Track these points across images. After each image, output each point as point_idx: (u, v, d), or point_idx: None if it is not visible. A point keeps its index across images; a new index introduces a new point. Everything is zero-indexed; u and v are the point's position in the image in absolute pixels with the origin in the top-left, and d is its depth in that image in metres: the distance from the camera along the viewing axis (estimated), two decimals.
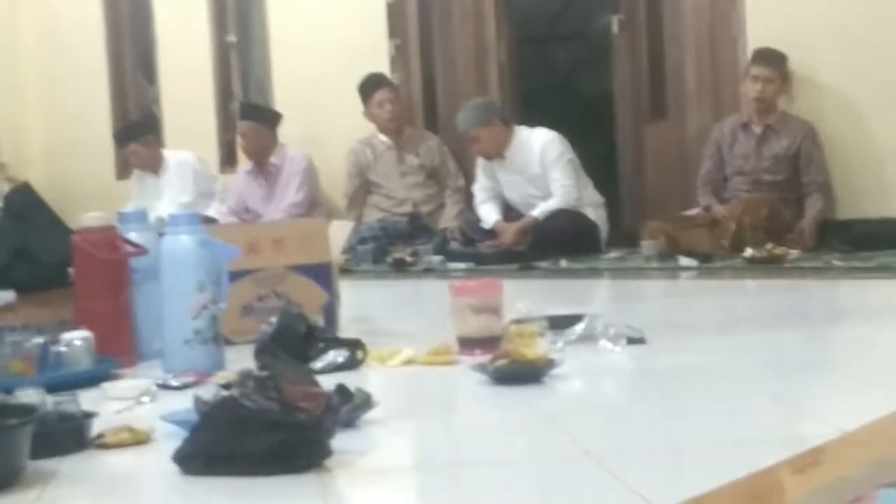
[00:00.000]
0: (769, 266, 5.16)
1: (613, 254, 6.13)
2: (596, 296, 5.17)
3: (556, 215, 6.33)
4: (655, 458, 2.01)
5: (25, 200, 3.63)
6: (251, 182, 7.60)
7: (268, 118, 7.57)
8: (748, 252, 5.32)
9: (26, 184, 3.73)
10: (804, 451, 1.92)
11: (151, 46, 8.85)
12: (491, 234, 6.54)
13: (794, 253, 5.34)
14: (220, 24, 8.47)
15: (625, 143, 6.81)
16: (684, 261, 5.47)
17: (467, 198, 7.12)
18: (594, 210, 6.48)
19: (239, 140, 7.62)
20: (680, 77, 6.50)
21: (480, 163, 6.76)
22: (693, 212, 6.06)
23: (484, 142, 6.58)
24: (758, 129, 5.99)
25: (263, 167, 7.51)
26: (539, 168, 6.48)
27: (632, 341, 3.11)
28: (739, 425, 2.23)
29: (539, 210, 6.41)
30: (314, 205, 7.44)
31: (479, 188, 6.76)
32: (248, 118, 7.54)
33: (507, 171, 6.63)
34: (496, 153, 6.61)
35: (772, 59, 5.88)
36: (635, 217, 6.49)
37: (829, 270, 4.98)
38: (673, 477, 1.90)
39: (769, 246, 5.34)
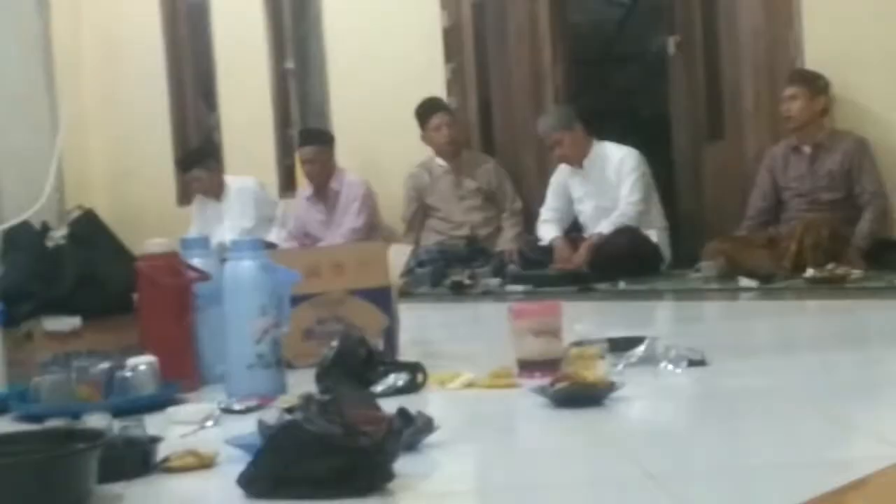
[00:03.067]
0: (830, 286, 5.11)
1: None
2: (656, 317, 5.15)
3: (618, 235, 6.33)
4: (718, 481, 2.00)
5: (90, 227, 3.68)
6: (310, 207, 7.65)
7: (327, 140, 7.64)
8: (809, 272, 5.28)
9: (91, 210, 3.78)
10: (867, 474, 1.91)
11: (212, 73, 8.95)
12: (550, 255, 6.53)
13: (856, 273, 5.28)
14: (278, 50, 8.56)
15: (682, 164, 6.78)
16: (744, 282, 5.43)
17: (525, 220, 7.13)
18: (658, 232, 6.47)
19: (301, 166, 7.67)
20: (737, 97, 6.47)
21: (553, 183, 6.77)
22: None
23: (566, 146, 6.60)
24: (808, 149, 5.96)
25: (323, 192, 7.57)
26: (615, 178, 6.49)
27: (693, 363, 3.09)
28: (801, 447, 2.22)
29: (603, 226, 6.41)
30: (373, 229, 7.47)
31: (547, 208, 6.77)
32: (312, 142, 7.59)
33: (584, 182, 6.64)
34: (576, 160, 6.62)
35: (796, 78, 5.91)
36: (694, 238, 6.46)
37: (891, 290, 4.93)
38: (736, 500, 1.89)
39: (830, 266, 5.29)
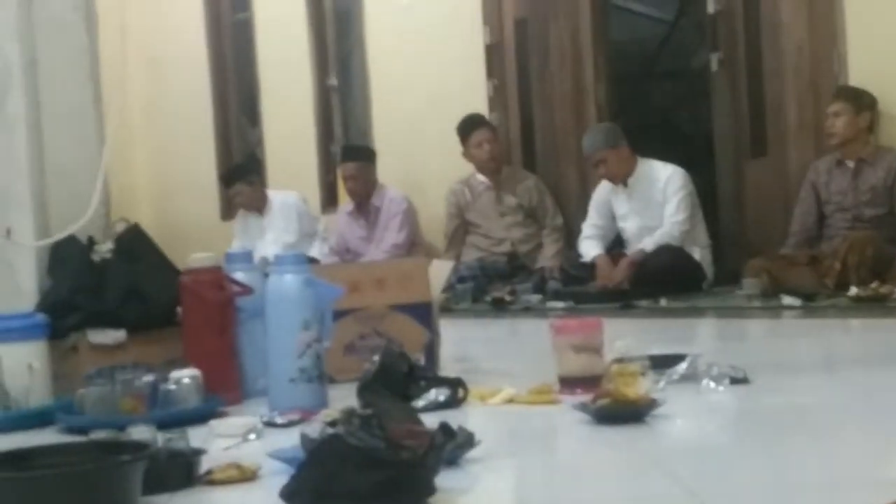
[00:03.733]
0: (874, 305, 5.07)
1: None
2: (698, 335, 5.13)
3: (660, 252, 6.31)
4: (761, 500, 1.99)
5: (136, 241, 3.72)
6: (352, 223, 7.68)
7: (369, 156, 7.67)
8: (853, 291, 5.24)
9: (136, 225, 3.82)
10: None
11: (255, 90, 9.01)
12: (592, 272, 6.52)
13: None
14: (321, 67, 8.61)
15: (725, 180, 6.75)
16: (787, 300, 5.40)
17: (566, 237, 7.12)
18: (700, 250, 6.45)
19: (343, 182, 7.71)
20: (780, 114, 6.43)
21: (595, 200, 6.76)
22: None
23: (611, 164, 6.58)
24: (851, 164, 5.93)
25: (364, 208, 7.59)
26: (661, 197, 6.48)
27: (735, 381, 3.08)
28: (845, 466, 2.20)
29: (646, 243, 6.40)
30: (414, 245, 7.49)
31: (589, 224, 6.75)
32: (354, 159, 7.63)
33: (629, 199, 6.62)
34: (621, 178, 6.60)
35: (840, 94, 5.89)
36: (736, 255, 6.43)
37: None
38: None
39: (874, 284, 5.25)
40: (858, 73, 5.97)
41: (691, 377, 3.10)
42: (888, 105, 5.92)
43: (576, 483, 2.24)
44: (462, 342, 4.74)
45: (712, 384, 3.06)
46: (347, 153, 7.83)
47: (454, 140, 7.27)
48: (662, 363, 3.15)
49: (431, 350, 3.64)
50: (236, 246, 7.34)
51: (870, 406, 2.88)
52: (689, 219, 6.44)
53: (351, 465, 1.98)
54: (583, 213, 6.87)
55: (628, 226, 6.66)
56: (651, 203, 6.55)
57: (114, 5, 4.55)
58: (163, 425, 2.48)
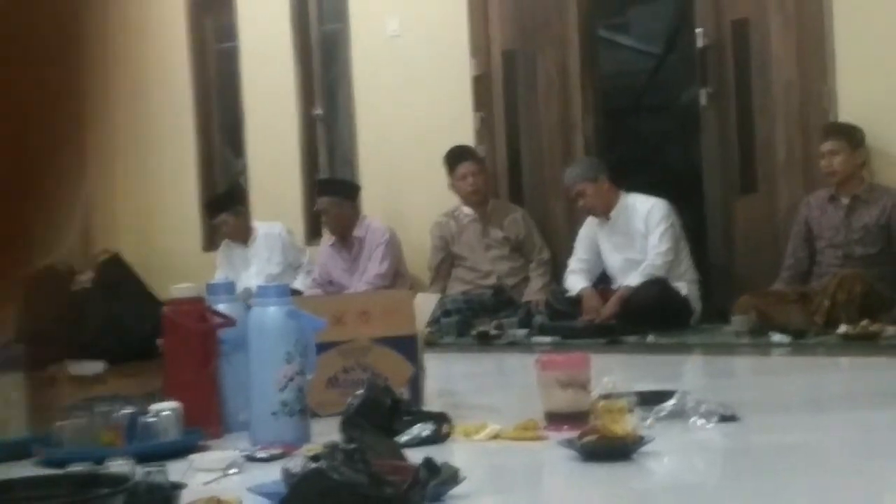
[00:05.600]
0: (864, 343, 5.05)
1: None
2: (685, 371, 5.10)
3: (647, 287, 6.28)
4: None
5: (117, 271, 3.68)
6: (334, 255, 7.64)
7: (347, 191, 7.63)
8: (842, 329, 5.22)
9: (117, 255, 3.78)
10: None
11: (240, 118, 8.99)
12: (578, 306, 6.49)
13: (890, 330, 5.21)
14: (307, 97, 8.59)
15: (714, 216, 6.74)
16: (776, 337, 5.37)
17: (552, 270, 7.09)
18: (687, 285, 6.42)
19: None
20: (770, 150, 6.43)
21: (581, 235, 6.75)
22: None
23: (590, 197, 6.58)
24: (845, 201, 5.93)
25: (347, 240, 7.56)
26: (643, 229, 6.47)
27: (724, 418, 3.05)
28: None
29: (632, 278, 6.38)
30: (397, 276, 7.46)
31: (575, 259, 6.73)
32: (328, 193, 7.60)
33: (611, 234, 6.61)
34: (602, 211, 6.60)
35: (834, 132, 5.89)
36: (725, 291, 6.41)
37: None
38: None
39: (864, 322, 5.23)
40: (848, 109, 5.98)
41: (679, 414, 3.07)
42: (879, 141, 5.92)
43: None
44: (447, 377, 4.71)
45: (700, 421, 3.03)
46: (322, 187, 7.81)
47: (440, 172, 7.25)
48: (650, 400, 3.12)
49: (416, 384, 3.60)
50: (219, 277, 7.28)
51: (859, 445, 2.86)
52: (672, 250, 6.42)
53: (333, 500, 1.95)
54: (569, 247, 6.85)
55: (612, 260, 6.64)
56: (633, 236, 6.54)
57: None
58: (142, 458, 2.44)
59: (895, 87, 5.86)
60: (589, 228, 6.76)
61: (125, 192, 9.43)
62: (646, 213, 6.50)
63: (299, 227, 8.41)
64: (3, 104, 0.86)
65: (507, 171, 7.56)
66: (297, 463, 2.23)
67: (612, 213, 6.60)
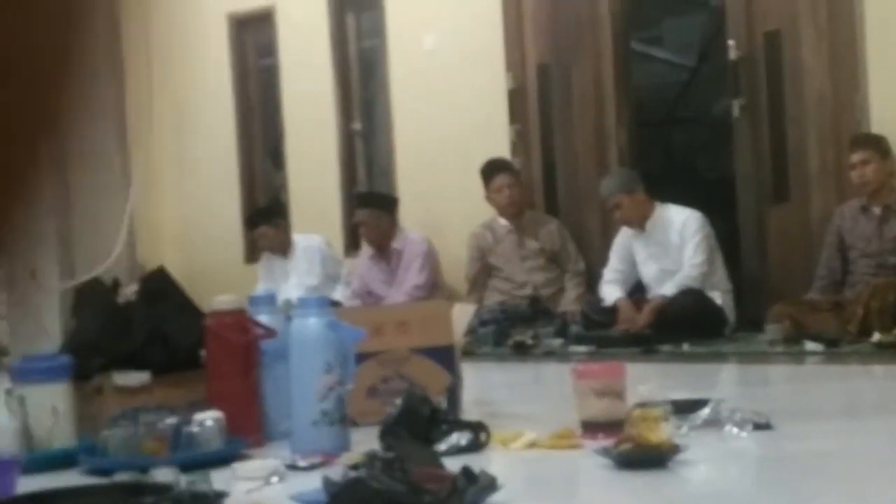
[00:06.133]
0: None
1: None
2: (720, 380, 5.11)
3: (682, 297, 6.30)
4: None
5: (161, 283, 3.74)
6: (373, 266, 7.69)
7: (385, 204, 7.68)
8: (876, 337, 5.22)
9: (161, 267, 3.84)
10: None
11: (280, 133, 9.07)
12: (613, 316, 6.51)
13: None
14: (345, 112, 8.65)
15: (747, 226, 6.75)
16: (810, 345, 5.38)
17: (588, 281, 7.11)
18: (722, 295, 6.43)
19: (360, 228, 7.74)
20: (803, 160, 6.44)
21: (616, 245, 6.77)
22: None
23: (626, 209, 6.60)
24: (877, 211, 5.93)
25: (385, 252, 7.61)
26: (678, 240, 6.48)
27: (758, 427, 3.06)
28: None
29: (667, 288, 6.40)
30: (435, 288, 7.49)
31: (610, 269, 6.75)
32: (366, 206, 7.66)
33: (646, 244, 6.63)
34: (637, 222, 6.62)
35: (864, 142, 5.89)
36: (759, 300, 6.41)
37: None
38: None
39: None
40: (880, 120, 5.98)
41: (714, 423, 3.09)
42: None
43: None
44: (484, 386, 4.73)
45: (735, 430, 3.04)
46: (360, 200, 7.86)
47: (476, 184, 7.29)
48: (685, 408, 3.14)
49: (453, 394, 3.63)
50: (260, 289, 7.35)
51: (893, 453, 2.87)
52: (707, 261, 6.44)
53: None
54: (604, 258, 6.87)
55: (648, 270, 6.66)
56: (669, 247, 6.55)
57: (141, 52, 4.61)
58: (185, 468, 2.49)
59: None
60: (624, 239, 6.78)
61: (169, 205, 9.54)
62: (681, 224, 6.52)
63: (338, 239, 8.47)
64: None
65: (543, 183, 7.59)
66: (337, 472, 2.27)
67: (648, 225, 6.62)
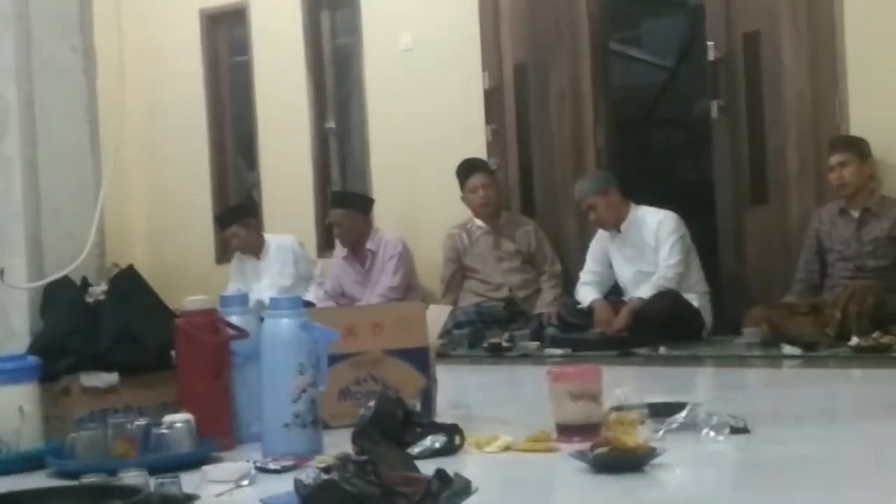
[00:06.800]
0: (876, 355, 5.05)
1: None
2: (697, 383, 5.11)
3: (658, 299, 6.29)
4: None
5: (130, 283, 3.69)
6: (347, 267, 7.65)
7: (360, 204, 7.64)
8: (854, 341, 5.22)
9: (131, 267, 3.79)
10: None
11: (253, 132, 9.02)
12: (590, 318, 6.49)
13: None
14: (320, 111, 8.61)
15: (725, 228, 6.74)
16: (788, 349, 5.38)
17: (564, 283, 7.10)
18: (699, 297, 6.43)
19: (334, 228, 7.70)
20: (781, 162, 6.44)
21: (592, 247, 6.77)
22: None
23: (600, 211, 6.59)
24: (856, 213, 5.94)
25: (359, 252, 7.57)
26: (654, 241, 6.48)
27: (735, 430, 3.06)
28: None
29: (643, 290, 6.38)
30: (410, 289, 7.46)
31: (586, 271, 6.74)
32: (340, 206, 7.62)
33: (622, 246, 6.62)
34: (612, 224, 6.61)
35: (843, 144, 5.91)
36: (736, 303, 6.41)
37: None
38: None
39: (875, 335, 5.23)
40: (859, 122, 5.99)
41: (691, 426, 3.08)
42: (887, 153, 5.92)
43: None
44: (459, 388, 4.71)
45: (712, 433, 3.04)
46: (334, 199, 7.83)
47: (452, 184, 7.27)
48: (661, 411, 3.13)
49: (428, 396, 3.61)
50: (232, 289, 7.30)
51: (871, 457, 2.86)
52: (682, 262, 6.43)
53: None
54: (581, 260, 6.86)
55: (624, 272, 6.65)
56: (644, 249, 6.55)
57: (113, 48, 4.55)
58: (155, 470, 2.46)
59: None
60: (600, 241, 6.77)
61: (139, 204, 9.47)
62: (656, 225, 6.51)
63: (311, 239, 8.43)
64: None
65: (519, 184, 7.57)
66: (309, 474, 2.24)
67: (623, 226, 6.61)
